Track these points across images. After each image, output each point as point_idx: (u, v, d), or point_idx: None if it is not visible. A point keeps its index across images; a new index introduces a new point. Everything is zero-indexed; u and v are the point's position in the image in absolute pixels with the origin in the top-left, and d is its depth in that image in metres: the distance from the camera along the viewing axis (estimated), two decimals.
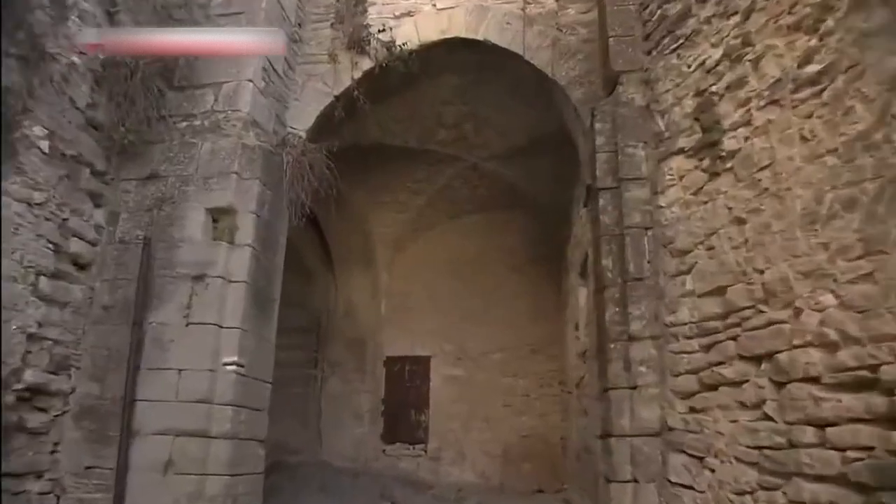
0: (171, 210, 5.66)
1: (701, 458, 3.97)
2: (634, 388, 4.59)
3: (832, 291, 3.09)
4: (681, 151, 4.56)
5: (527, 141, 8.94)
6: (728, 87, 4.05)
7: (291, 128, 6.75)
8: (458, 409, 11.11)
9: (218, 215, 5.65)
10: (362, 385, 11.10)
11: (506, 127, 8.84)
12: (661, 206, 4.73)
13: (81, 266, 5.41)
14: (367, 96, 6.98)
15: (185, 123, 6.01)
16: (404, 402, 11.26)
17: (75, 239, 5.29)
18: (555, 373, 11.01)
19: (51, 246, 4.95)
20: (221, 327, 5.30)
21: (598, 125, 5.39)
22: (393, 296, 11.70)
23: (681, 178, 4.56)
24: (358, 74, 7.01)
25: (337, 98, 6.99)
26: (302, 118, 6.91)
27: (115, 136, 5.63)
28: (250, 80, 6.07)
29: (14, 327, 4.56)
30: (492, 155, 9.62)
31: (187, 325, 5.25)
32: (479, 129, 9.03)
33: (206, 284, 5.35)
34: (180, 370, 5.15)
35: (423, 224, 11.54)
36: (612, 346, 4.78)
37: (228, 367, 5.23)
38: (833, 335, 3.03)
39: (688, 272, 4.36)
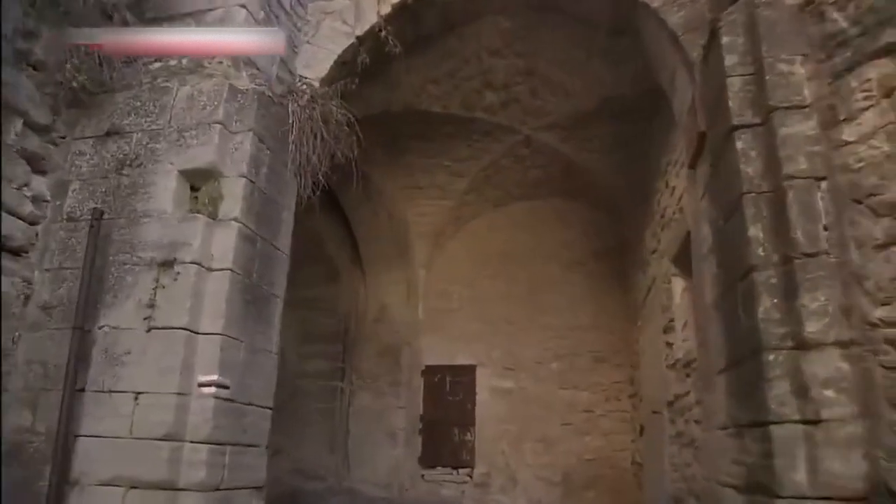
0: (136, 175, 4.20)
1: None
2: (816, 422, 2.93)
3: None
4: (885, 52, 2.91)
5: (594, 103, 7.28)
6: None
7: (301, 77, 5.24)
8: (508, 427, 9.50)
9: (196, 180, 4.17)
10: (397, 399, 9.51)
11: (569, 87, 7.20)
12: (848, 142, 3.08)
13: (13, 251, 3.98)
14: (397, 41, 5.46)
15: (157, 64, 4.58)
16: (446, 419, 9.68)
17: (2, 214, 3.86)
18: (622, 385, 9.36)
19: None
20: (196, 333, 3.80)
21: (725, 40, 3.76)
22: (431, 296, 10.13)
23: (886, 94, 2.91)
24: (386, 9, 5.46)
25: (360, 40, 5.46)
26: (315, 65, 5.41)
27: (61, 79, 4.21)
28: (243, 6, 4.60)
29: None
30: (549, 124, 7.97)
31: (149, 330, 3.76)
32: (535, 91, 7.41)
33: (177, 274, 3.85)
34: (138, 394, 3.66)
35: (465, 212, 9.97)
36: (772, 356, 3.12)
37: (206, 390, 3.72)
38: None
39: None
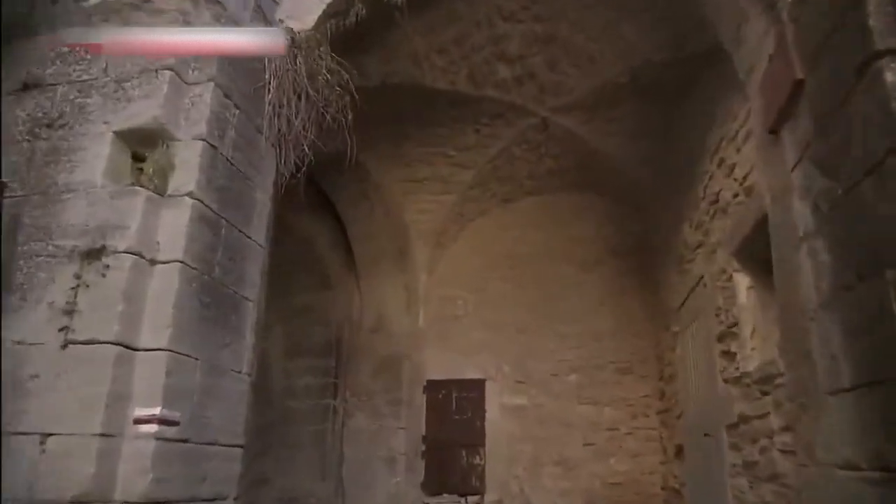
0: (57, 139, 3.16)
1: None
2: None
3: None
4: None
5: (622, 75, 6.28)
6: None
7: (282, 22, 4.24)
8: (523, 448, 8.48)
9: (139, 145, 3.13)
10: (396, 419, 8.44)
11: (594, 56, 6.20)
12: None
13: None
14: None
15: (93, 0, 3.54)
16: (452, 440, 8.63)
17: None
18: (650, 399, 8.36)
19: None
20: (132, 349, 2.75)
21: None
22: (434, 303, 9.11)
23: None
24: None
25: None
26: (300, 16, 4.39)
27: None
28: None
29: None
30: (569, 104, 6.95)
31: (65, 345, 2.71)
32: (554, 63, 6.40)
33: (105, 267, 2.80)
34: (46, 436, 2.60)
35: (470, 209, 8.97)
36: None
37: (145, 428, 2.67)
38: None
39: None
